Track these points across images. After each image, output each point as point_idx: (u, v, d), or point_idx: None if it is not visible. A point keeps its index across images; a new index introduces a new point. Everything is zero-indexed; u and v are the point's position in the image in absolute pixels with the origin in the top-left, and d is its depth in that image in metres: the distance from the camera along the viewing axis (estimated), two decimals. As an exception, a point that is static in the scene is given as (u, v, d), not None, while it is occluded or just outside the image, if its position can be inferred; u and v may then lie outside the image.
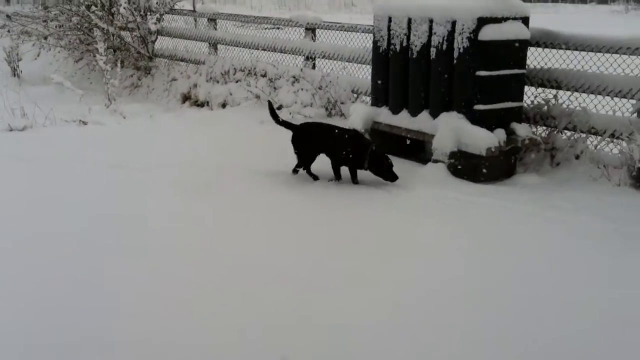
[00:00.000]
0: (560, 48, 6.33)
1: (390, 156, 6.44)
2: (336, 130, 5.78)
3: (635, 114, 5.83)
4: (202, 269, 3.86)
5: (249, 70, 9.30)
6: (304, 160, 5.80)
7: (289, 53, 9.27)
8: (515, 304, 3.48)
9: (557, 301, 3.52)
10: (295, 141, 5.81)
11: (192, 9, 11.86)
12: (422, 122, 6.13)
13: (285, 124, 5.94)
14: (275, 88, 8.72)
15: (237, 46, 10.19)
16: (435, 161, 5.85)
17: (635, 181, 5.38)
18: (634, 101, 5.85)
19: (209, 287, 3.61)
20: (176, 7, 11.72)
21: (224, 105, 9.09)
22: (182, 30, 11.46)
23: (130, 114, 8.88)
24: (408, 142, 6.43)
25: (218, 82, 9.52)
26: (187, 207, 4.94)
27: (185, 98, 9.90)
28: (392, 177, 5.53)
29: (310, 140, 5.78)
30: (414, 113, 6.25)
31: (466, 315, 3.35)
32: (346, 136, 5.71)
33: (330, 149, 5.71)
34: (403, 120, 6.34)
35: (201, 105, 9.48)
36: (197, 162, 6.24)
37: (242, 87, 9.00)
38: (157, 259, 3.98)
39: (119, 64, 10.28)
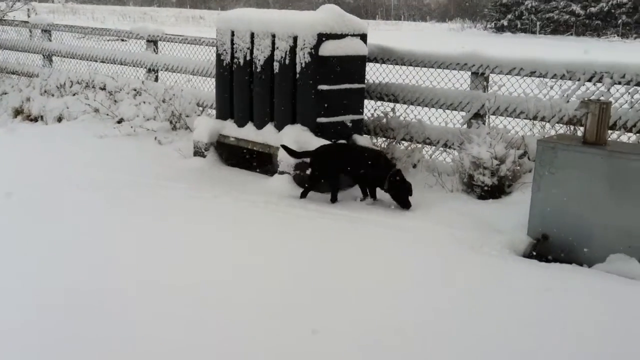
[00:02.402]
0: (397, 64, 6.65)
1: (237, 169, 6.43)
2: (359, 150, 5.74)
3: (465, 125, 6.25)
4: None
5: (87, 83, 8.89)
6: (326, 183, 5.65)
7: (130, 65, 9.00)
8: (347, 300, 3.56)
9: (391, 300, 3.65)
10: (315, 165, 5.62)
11: (25, 19, 11.13)
12: (267, 134, 6.16)
13: (305, 154, 5.67)
14: (115, 101, 8.39)
15: (74, 58, 9.75)
16: (282, 173, 5.90)
17: (467, 187, 5.75)
18: (463, 113, 6.27)
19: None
20: (6, 17, 10.97)
21: (59, 120, 8.58)
22: (13, 41, 10.75)
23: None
24: (255, 154, 6.44)
25: (53, 95, 9.00)
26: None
27: (18, 112, 9.23)
28: (406, 205, 5.38)
29: (331, 162, 5.62)
30: (260, 126, 6.27)
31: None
32: (367, 155, 5.61)
33: (353, 169, 5.58)
34: (249, 133, 6.33)
35: (35, 119, 8.89)
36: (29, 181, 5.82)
37: (80, 100, 8.57)
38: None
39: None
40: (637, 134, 5.32)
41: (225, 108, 6.60)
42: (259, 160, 6.61)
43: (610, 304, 3.71)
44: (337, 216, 5.11)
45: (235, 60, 6.38)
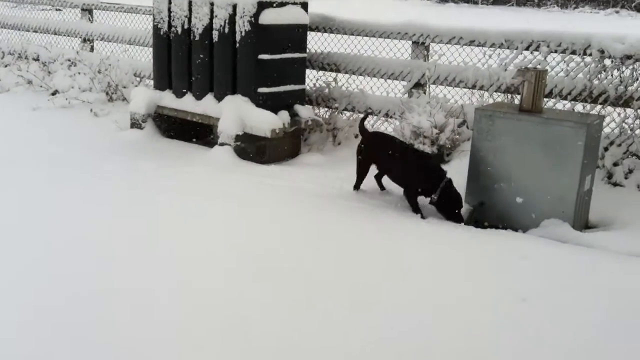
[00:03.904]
0: (338, 33, 6.60)
1: (176, 141, 6.30)
2: (407, 148, 5.05)
3: (406, 95, 6.27)
4: None
5: (19, 54, 8.55)
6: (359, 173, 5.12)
7: (65, 35, 8.67)
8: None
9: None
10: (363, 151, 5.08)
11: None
12: (207, 105, 6.05)
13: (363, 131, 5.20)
14: (49, 72, 8.10)
15: (6, 28, 9.35)
16: (222, 144, 5.81)
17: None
18: (404, 82, 6.28)
19: None
20: None
21: (-10, 92, 8.24)
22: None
23: None
24: (195, 126, 6.32)
25: (-17, 66, 8.63)
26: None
27: (-57, 85, 8.81)
28: (459, 219, 4.66)
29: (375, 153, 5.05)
30: (199, 96, 6.14)
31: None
32: (418, 158, 4.95)
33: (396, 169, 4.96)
34: (188, 104, 6.20)
35: (-37, 92, 8.51)
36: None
37: (12, 71, 8.24)
38: None
39: None
40: (572, 102, 5.43)
41: (163, 78, 6.44)
42: (199, 132, 6.49)
43: (538, 263, 3.78)
44: (276, 187, 5.06)
45: (173, 29, 6.21)
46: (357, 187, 5.14)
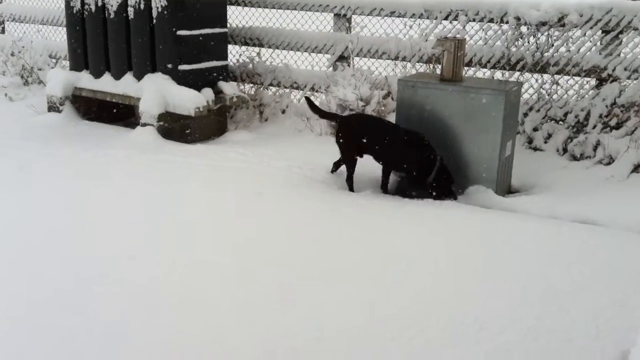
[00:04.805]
0: (259, 6, 6.49)
1: (96, 123, 6.10)
2: (394, 129, 4.61)
3: (330, 68, 6.24)
4: None
5: None
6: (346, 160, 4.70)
7: (-29, 16, 8.22)
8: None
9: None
10: (340, 135, 4.68)
11: None
12: (126, 85, 5.85)
13: (329, 116, 4.91)
14: (-43, 56, 7.67)
15: None
16: (144, 125, 5.64)
17: (334, 129, 5.77)
18: (329, 56, 6.24)
19: None
20: None
21: None
22: None
23: None
24: (115, 107, 6.12)
25: None
26: None
27: None
28: (454, 194, 4.50)
29: (358, 137, 4.61)
30: (118, 76, 5.94)
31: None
32: (407, 139, 4.52)
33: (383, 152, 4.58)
34: (106, 84, 5.98)
35: None
36: None
37: None
38: None
39: None
40: (492, 69, 5.52)
41: (79, 59, 6.19)
42: (120, 113, 6.29)
43: (459, 228, 3.84)
44: (198, 165, 4.95)
45: (87, 6, 5.96)
46: (350, 179, 4.62)
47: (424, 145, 4.47)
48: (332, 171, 4.89)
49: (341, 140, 4.67)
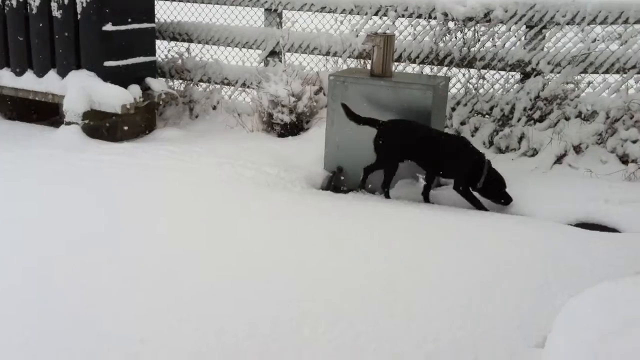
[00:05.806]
0: (188, 1, 6.39)
1: (19, 123, 5.89)
2: (437, 134, 4.49)
3: (262, 64, 6.20)
4: None
5: None
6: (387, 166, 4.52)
7: None
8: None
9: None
10: (382, 141, 4.46)
11: None
12: (49, 83, 5.66)
13: (369, 121, 4.50)
14: None
15: None
16: (69, 123, 5.46)
17: (267, 126, 5.74)
18: (260, 51, 6.20)
19: None
20: None
21: None
22: None
23: None
24: (40, 105, 5.91)
25: None
26: None
27: None
28: (509, 199, 4.31)
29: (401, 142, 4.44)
30: (40, 74, 5.73)
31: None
32: (453, 144, 4.42)
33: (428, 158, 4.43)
34: (29, 82, 5.77)
35: None
36: None
37: None
38: None
39: None
40: (421, 65, 5.60)
41: (0, 56, 5.94)
42: (44, 112, 6.08)
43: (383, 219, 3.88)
44: (125, 164, 4.81)
45: (7, 1, 5.72)
46: (386, 188, 4.49)
47: (471, 150, 4.37)
48: (361, 185, 4.62)
49: (383, 146, 4.49)
